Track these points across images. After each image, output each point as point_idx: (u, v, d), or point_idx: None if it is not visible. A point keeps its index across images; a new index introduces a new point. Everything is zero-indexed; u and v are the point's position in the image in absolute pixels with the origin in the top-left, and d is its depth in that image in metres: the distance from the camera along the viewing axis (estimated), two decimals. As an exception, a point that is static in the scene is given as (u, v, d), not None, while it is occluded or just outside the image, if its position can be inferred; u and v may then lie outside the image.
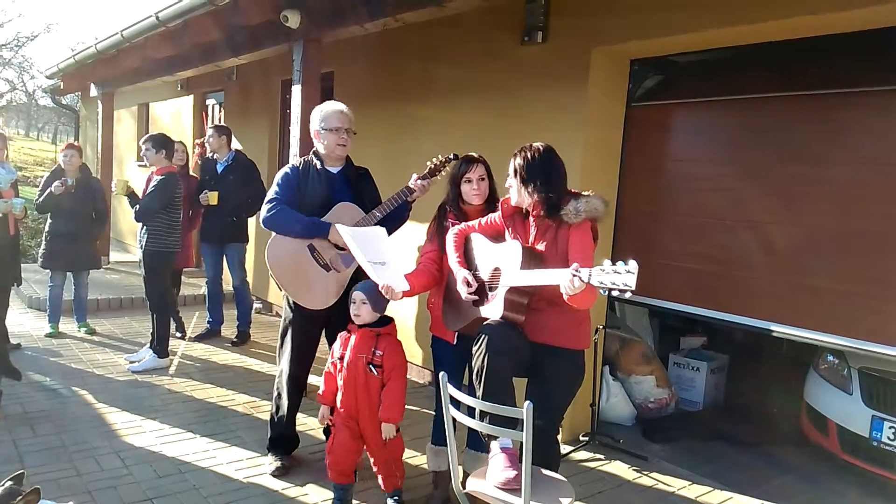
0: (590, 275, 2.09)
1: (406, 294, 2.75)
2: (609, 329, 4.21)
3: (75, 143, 5.61)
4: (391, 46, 5.22)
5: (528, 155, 2.52)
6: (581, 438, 3.92)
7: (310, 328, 3.34)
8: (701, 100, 3.87)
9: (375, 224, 3.11)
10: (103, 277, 7.40)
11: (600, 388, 4.17)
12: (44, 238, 5.55)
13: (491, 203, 2.94)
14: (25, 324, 5.92)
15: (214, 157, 5.71)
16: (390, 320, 3.01)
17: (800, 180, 3.38)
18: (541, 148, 2.53)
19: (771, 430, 4.24)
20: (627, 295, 2.02)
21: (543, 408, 2.50)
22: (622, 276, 2.01)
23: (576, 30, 3.86)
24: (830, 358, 3.89)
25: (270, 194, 3.16)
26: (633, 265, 2.01)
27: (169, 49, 5.66)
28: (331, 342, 3.37)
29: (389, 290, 2.69)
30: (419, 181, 3.16)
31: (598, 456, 3.83)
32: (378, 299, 2.84)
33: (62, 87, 9.53)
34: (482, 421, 2.33)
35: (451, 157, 3.12)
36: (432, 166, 3.18)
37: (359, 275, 3.18)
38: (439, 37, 4.76)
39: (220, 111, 8.43)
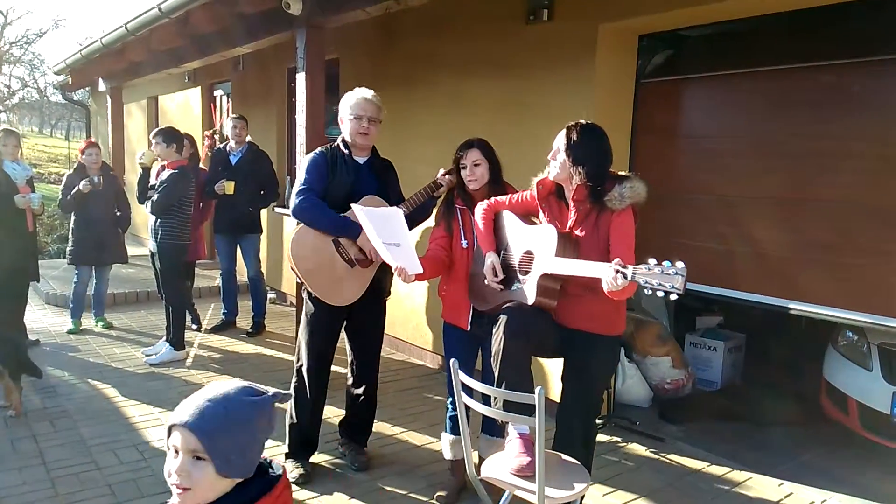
0: (634, 273, 2.01)
1: (418, 277, 2.71)
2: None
3: (95, 141, 5.64)
4: (395, 31, 5.16)
5: (579, 133, 2.39)
6: (597, 422, 3.89)
7: (332, 323, 3.23)
8: (714, 74, 3.78)
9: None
10: (119, 272, 7.43)
11: (616, 371, 4.15)
12: (70, 235, 5.61)
13: (495, 185, 2.90)
14: (44, 320, 5.98)
15: (227, 147, 5.71)
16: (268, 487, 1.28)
17: (818, 154, 3.30)
18: (590, 126, 2.42)
19: (790, 408, 4.19)
20: (673, 297, 1.95)
21: (581, 396, 2.48)
22: (671, 277, 1.94)
23: (582, 6, 3.78)
24: (849, 334, 3.82)
25: (299, 183, 3.06)
26: (681, 266, 1.94)
27: (173, 41, 5.65)
28: (350, 337, 3.35)
29: (403, 272, 2.65)
30: (447, 176, 3.09)
31: (615, 438, 3.81)
32: (243, 445, 1.24)
33: (71, 83, 9.55)
34: (497, 405, 2.32)
35: None
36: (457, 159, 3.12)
37: (384, 271, 3.14)
38: (444, 19, 4.70)
39: (227, 102, 8.41)
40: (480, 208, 2.74)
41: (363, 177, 3.14)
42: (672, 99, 3.93)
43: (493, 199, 2.75)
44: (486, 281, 2.60)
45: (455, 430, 3.04)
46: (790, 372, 4.49)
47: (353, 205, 2.86)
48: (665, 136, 3.95)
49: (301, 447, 3.28)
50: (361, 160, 3.18)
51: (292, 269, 3.11)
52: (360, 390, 3.38)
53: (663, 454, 3.64)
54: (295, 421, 3.26)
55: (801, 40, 3.37)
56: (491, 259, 2.60)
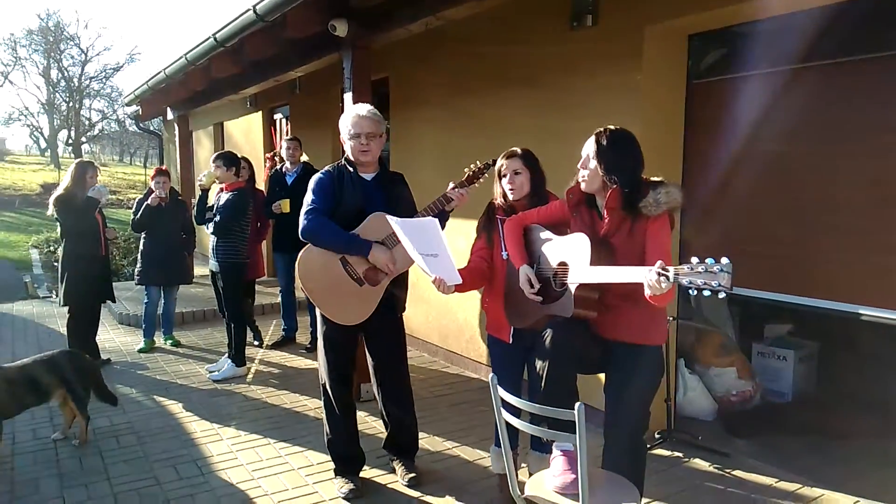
0: (677, 274, 1.93)
1: (458, 288, 2.68)
2: (683, 320, 4.01)
3: (164, 168, 5.93)
4: (440, 47, 5.19)
5: (609, 140, 2.32)
6: (656, 436, 3.75)
7: (346, 339, 3.20)
8: (772, 70, 3.59)
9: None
10: (187, 291, 7.72)
11: (675, 383, 3.99)
12: (139, 256, 5.90)
13: (536, 196, 2.84)
14: (116, 339, 6.26)
15: (283, 169, 5.87)
16: None
17: (890, 149, 3.09)
18: (620, 132, 2.36)
19: (866, 420, 3.91)
20: (721, 295, 1.86)
21: (625, 409, 2.40)
22: (717, 275, 1.85)
23: (627, 9, 3.70)
24: (931, 340, 3.55)
25: (307, 203, 3.05)
26: (726, 263, 1.85)
27: (230, 68, 5.86)
28: (371, 350, 3.30)
29: (441, 283, 2.63)
30: (457, 189, 3.05)
31: (676, 454, 3.66)
32: None
33: (141, 114, 10.05)
34: (540, 423, 2.26)
35: (490, 162, 3.03)
36: (470, 174, 3.08)
37: (398, 287, 3.12)
38: (486, 32, 4.69)
39: (286, 124, 8.66)
40: (508, 224, 2.71)
41: (371, 193, 3.10)
42: (727, 98, 3.77)
43: (519, 214, 2.71)
44: (526, 293, 2.55)
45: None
46: (867, 381, 4.20)
47: (388, 217, 2.78)
48: (720, 136, 3.79)
49: (345, 463, 3.29)
50: (369, 177, 3.15)
51: (301, 289, 3.11)
52: (393, 408, 3.35)
53: (728, 469, 3.47)
54: (331, 437, 3.28)
55: (866, 30, 3.17)
56: (525, 271, 2.55)
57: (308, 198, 3.08)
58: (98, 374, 3.98)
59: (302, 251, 3.07)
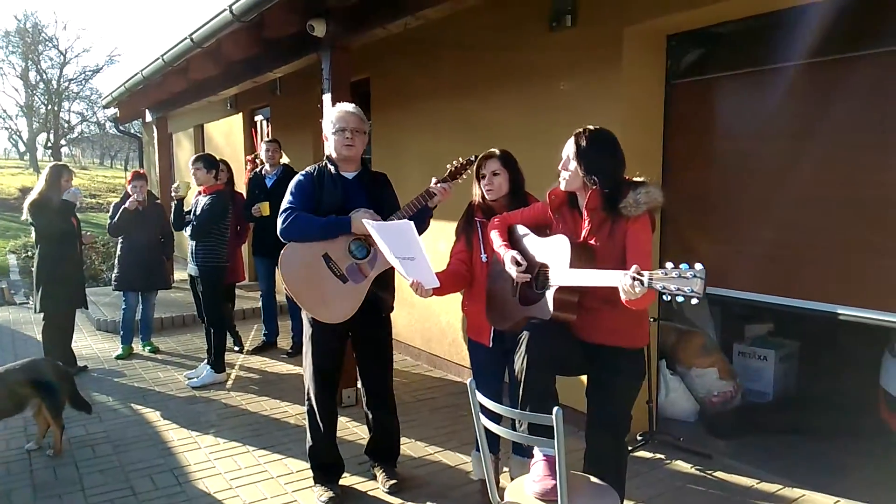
0: (650, 279, 1.91)
1: (436, 292, 2.65)
2: (664, 321, 4.01)
3: (141, 172, 5.83)
4: (421, 48, 5.15)
5: (589, 140, 2.29)
6: (638, 438, 3.74)
7: (332, 342, 3.13)
8: (750, 70, 3.59)
9: None
10: (167, 296, 7.62)
11: (657, 384, 3.98)
12: (116, 261, 5.79)
13: (515, 197, 2.82)
14: (94, 346, 6.16)
15: (263, 171, 5.80)
16: None
17: (868, 149, 3.09)
18: (600, 132, 2.33)
19: (847, 420, 3.93)
20: (694, 301, 1.84)
21: (606, 413, 2.38)
22: (689, 280, 1.82)
23: (606, 10, 3.69)
24: (909, 340, 3.58)
25: (284, 204, 3.00)
26: (700, 269, 1.82)
27: (208, 69, 5.79)
28: (357, 352, 3.26)
29: (419, 286, 2.60)
30: (439, 184, 3.01)
31: (658, 456, 3.65)
32: None
33: (119, 116, 9.91)
34: (521, 427, 2.23)
35: (472, 158, 2.99)
36: (452, 169, 3.04)
37: (382, 286, 3.07)
38: (466, 33, 4.66)
39: (267, 126, 8.58)
40: (493, 223, 2.66)
41: (352, 192, 3.05)
42: (706, 98, 3.78)
43: (504, 214, 2.67)
44: (514, 278, 2.46)
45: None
46: (847, 380, 4.22)
47: (364, 220, 2.76)
48: (700, 137, 3.79)
49: (325, 470, 3.24)
50: (350, 175, 3.11)
51: (285, 289, 3.07)
52: (377, 412, 3.31)
53: (710, 471, 3.46)
54: (312, 443, 3.21)
55: (845, 28, 3.16)
56: (510, 253, 2.46)
57: (286, 199, 3.04)
58: (72, 382, 3.89)
59: (283, 250, 3.02)
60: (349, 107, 3.09)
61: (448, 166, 3.04)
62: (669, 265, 1.88)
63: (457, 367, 5.13)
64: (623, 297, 2.02)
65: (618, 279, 2.00)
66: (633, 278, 1.94)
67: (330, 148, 3.10)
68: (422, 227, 3.10)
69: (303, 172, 3.13)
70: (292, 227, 2.95)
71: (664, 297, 1.89)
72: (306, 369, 3.19)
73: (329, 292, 2.98)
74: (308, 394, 3.19)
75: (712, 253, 3.73)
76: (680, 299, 1.85)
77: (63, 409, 3.76)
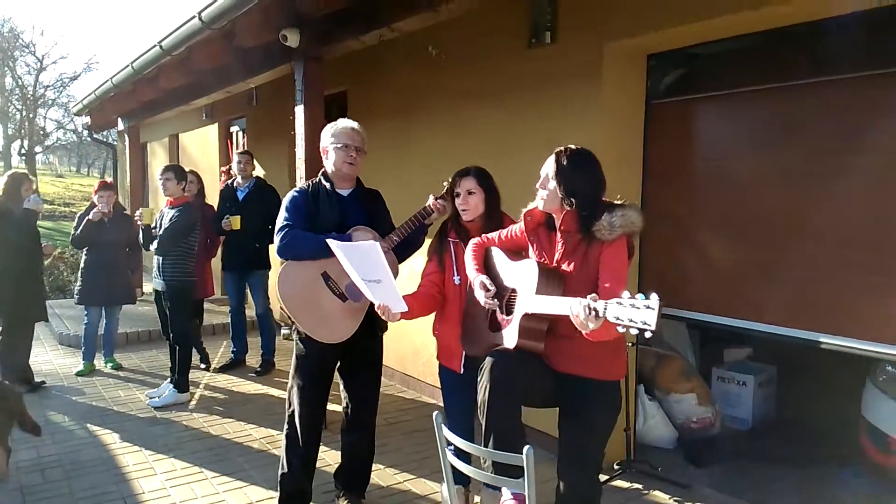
0: (605, 308, 1.79)
1: (404, 316, 2.53)
2: (642, 345, 3.90)
3: (109, 182, 5.63)
4: (398, 61, 5.05)
5: (569, 159, 2.19)
6: (615, 467, 3.62)
7: (325, 363, 3.03)
8: (730, 91, 3.53)
9: (393, 248, 2.90)
10: (132, 310, 7.37)
11: (635, 411, 3.87)
12: (80, 274, 5.56)
13: (490, 217, 2.71)
14: (54, 361, 5.92)
15: (234, 184, 5.64)
16: None
17: (849, 172, 3.03)
18: (581, 151, 2.23)
19: (826, 448, 3.85)
20: (647, 335, 1.73)
21: (578, 449, 2.25)
22: (640, 311, 1.71)
23: (585, 27, 3.61)
24: (890, 368, 3.50)
25: (280, 222, 2.90)
26: (654, 300, 1.71)
27: (180, 78, 5.63)
28: (345, 377, 3.13)
29: (386, 310, 2.47)
30: (438, 201, 2.91)
31: (636, 485, 3.53)
32: None
33: (90, 123, 9.69)
34: (486, 464, 2.10)
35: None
36: (448, 186, 2.92)
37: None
38: (444, 47, 4.56)
39: (243, 137, 8.42)
40: (470, 247, 2.54)
41: (349, 209, 2.97)
42: (686, 119, 3.71)
43: (483, 236, 2.55)
44: (481, 302, 2.36)
45: (455, 480, 2.81)
46: (828, 408, 4.15)
47: (328, 240, 2.65)
48: (680, 158, 3.71)
49: (292, 499, 3.07)
50: (345, 192, 3.01)
51: (281, 308, 2.93)
52: (355, 436, 3.17)
53: (688, 502, 3.35)
54: (286, 470, 3.05)
55: (823, 52, 3.12)
56: (480, 278, 2.36)
57: (281, 216, 2.93)
58: (20, 401, 3.67)
59: (281, 268, 2.90)
60: (354, 124, 3.01)
61: (444, 183, 2.94)
62: (626, 294, 1.77)
63: (430, 388, 4.98)
64: (580, 329, 1.89)
65: (573, 307, 1.88)
66: (587, 307, 1.82)
67: (329, 163, 2.99)
68: (416, 247, 3.06)
69: (297, 189, 3.03)
70: (291, 245, 2.85)
71: (618, 328, 1.77)
72: (293, 393, 3.04)
73: (329, 311, 2.88)
74: (292, 417, 3.03)
75: (691, 276, 3.65)
76: (634, 332, 1.74)
77: (10, 430, 3.55)
